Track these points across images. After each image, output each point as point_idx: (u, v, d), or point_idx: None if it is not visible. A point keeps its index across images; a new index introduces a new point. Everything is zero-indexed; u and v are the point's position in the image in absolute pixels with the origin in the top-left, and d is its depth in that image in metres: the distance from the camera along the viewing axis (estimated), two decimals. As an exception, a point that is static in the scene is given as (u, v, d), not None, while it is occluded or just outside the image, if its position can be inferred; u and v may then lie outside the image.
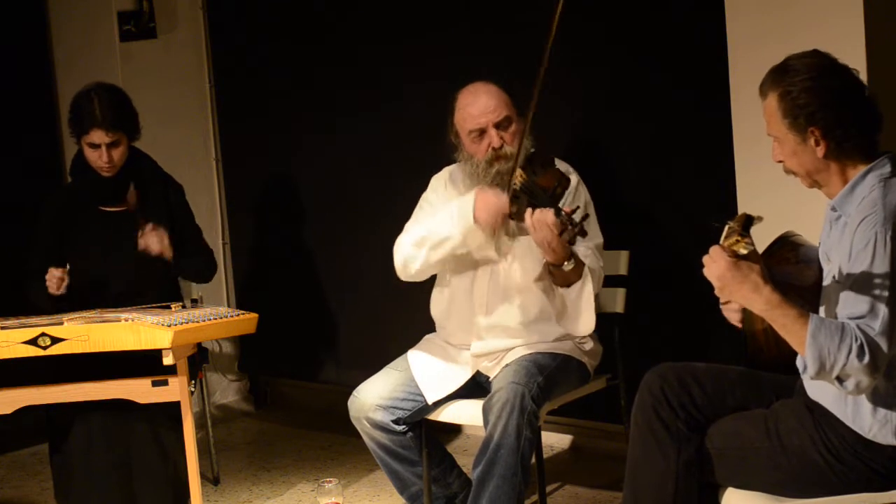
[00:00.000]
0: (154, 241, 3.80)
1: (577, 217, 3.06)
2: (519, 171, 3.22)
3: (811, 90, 2.50)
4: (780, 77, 2.54)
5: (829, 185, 2.58)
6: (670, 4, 3.83)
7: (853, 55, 2.98)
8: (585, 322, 3.40)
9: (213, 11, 5.38)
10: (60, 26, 5.41)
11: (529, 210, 3.18)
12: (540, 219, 3.13)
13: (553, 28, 3.05)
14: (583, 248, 3.34)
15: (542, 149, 3.40)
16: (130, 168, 3.90)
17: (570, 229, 3.05)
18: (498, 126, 3.42)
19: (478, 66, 4.23)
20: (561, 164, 3.43)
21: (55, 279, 3.72)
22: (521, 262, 3.44)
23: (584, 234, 3.07)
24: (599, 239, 3.50)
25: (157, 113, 5.19)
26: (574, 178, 3.45)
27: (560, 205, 3.15)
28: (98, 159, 3.80)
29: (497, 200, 3.28)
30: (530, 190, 3.18)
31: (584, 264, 3.32)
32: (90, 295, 3.81)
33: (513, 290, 3.47)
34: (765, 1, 3.33)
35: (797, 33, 3.20)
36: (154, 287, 3.88)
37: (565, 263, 3.25)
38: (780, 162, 2.61)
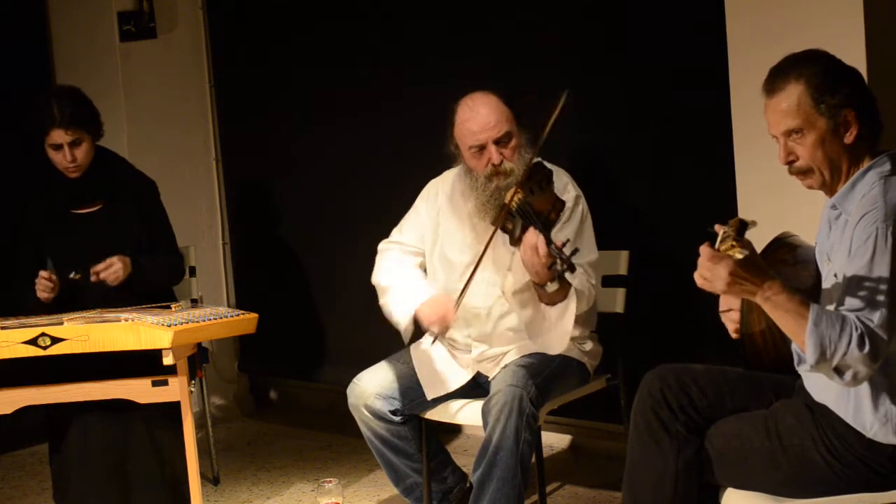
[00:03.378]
0: (111, 277, 3.78)
1: (567, 251, 2.96)
2: (516, 190, 3.16)
3: (838, 72, 2.51)
4: (800, 66, 2.52)
5: (835, 182, 2.57)
6: (670, 5, 3.82)
7: (853, 55, 2.97)
8: (554, 342, 3.28)
9: (213, 11, 5.38)
10: (60, 26, 5.41)
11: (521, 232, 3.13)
12: (526, 241, 3.07)
13: (550, 122, 3.12)
14: None
15: (544, 158, 3.35)
16: (97, 168, 3.89)
17: (558, 263, 2.96)
18: (498, 142, 3.37)
19: (478, 66, 4.27)
20: (561, 176, 3.40)
21: (42, 281, 3.73)
22: (523, 273, 3.42)
23: (572, 269, 2.95)
24: (594, 255, 3.43)
25: (157, 113, 5.20)
26: (572, 195, 3.40)
27: (553, 231, 3.10)
28: (63, 160, 3.80)
29: (445, 308, 3.36)
30: (525, 213, 3.12)
31: (570, 285, 3.24)
32: (74, 298, 3.80)
33: (513, 300, 3.45)
34: (765, 1, 3.33)
35: (797, 33, 3.19)
36: (134, 285, 3.86)
37: (548, 284, 3.18)
38: (790, 163, 2.57)
